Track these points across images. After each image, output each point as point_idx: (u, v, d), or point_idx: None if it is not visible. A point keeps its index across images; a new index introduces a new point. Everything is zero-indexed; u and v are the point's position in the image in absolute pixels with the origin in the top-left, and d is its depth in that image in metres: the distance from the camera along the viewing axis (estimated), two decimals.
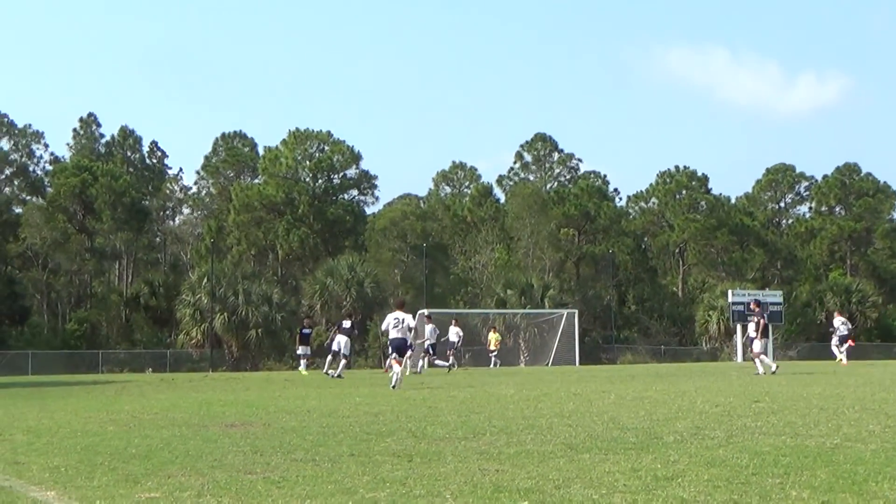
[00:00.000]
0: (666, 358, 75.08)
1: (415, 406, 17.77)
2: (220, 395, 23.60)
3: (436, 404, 18.20)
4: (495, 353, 53.91)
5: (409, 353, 29.88)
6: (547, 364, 61.04)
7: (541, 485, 7.98)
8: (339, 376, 35.05)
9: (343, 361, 36.74)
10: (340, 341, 37.01)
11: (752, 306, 34.35)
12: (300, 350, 44.14)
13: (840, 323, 45.76)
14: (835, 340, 45.79)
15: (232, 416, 16.30)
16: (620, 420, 13.74)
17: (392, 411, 16.47)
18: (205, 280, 71.69)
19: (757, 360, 31.15)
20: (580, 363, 59.92)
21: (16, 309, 77.83)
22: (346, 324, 38.21)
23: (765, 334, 31.88)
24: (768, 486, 7.67)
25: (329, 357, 37.75)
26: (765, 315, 32.38)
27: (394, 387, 24.72)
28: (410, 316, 27.13)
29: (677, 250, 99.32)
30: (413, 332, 29.25)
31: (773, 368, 30.67)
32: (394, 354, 26.57)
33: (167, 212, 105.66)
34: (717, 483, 7.84)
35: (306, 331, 44.75)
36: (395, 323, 26.36)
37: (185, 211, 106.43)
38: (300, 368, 44.28)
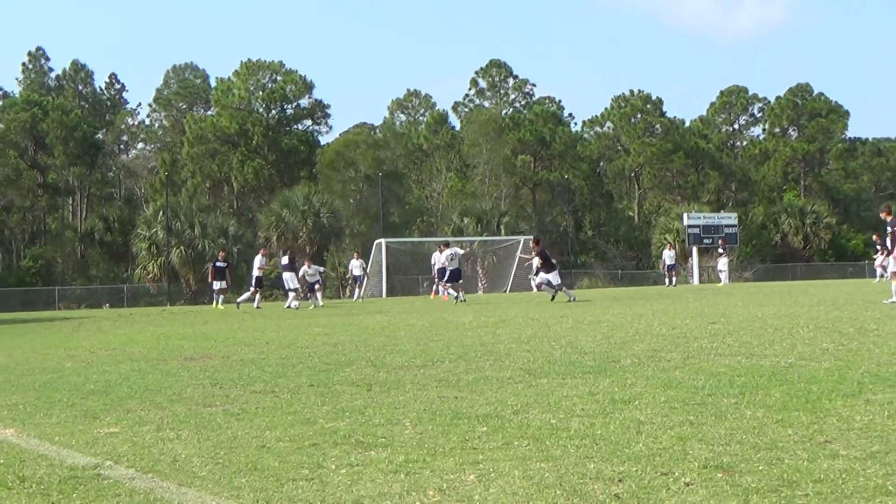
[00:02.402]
0: (623, 282, 75.54)
1: (373, 335, 17.81)
2: (178, 329, 23.55)
3: (394, 333, 18.25)
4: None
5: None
6: (505, 290, 61.24)
7: (499, 410, 8.04)
8: (288, 307, 36.68)
9: (292, 294, 37.44)
10: (286, 277, 38.04)
11: (531, 245, 35.57)
12: (215, 285, 42.01)
13: (668, 257, 54.42)
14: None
15: (190, 350, 16.28)
16: (578, 344, 13.83)
17: (351, 341, 16.50)
18: (160, 214, 71.16)
19: (544, 287, 32.54)
20: (538, 289, 60.07)
21: None
22: (284, 260, 39.07)
23: (548, 267, 32.46)
24: (724, 406, 7.75)
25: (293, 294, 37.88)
26: (545, 249, 33.59)
27: (457, 300, 34.15)
28: (459, 249, 36.67)
29: (633, 174, 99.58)
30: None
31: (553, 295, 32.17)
32: (452, 283, 35.74)
33: (121, 146, 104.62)
34: (674, 404, 7.92)
35: (220, 264, 42.38)
36: (451, 256, 35.88)
37: (139, 145, 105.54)
38: (216, 303, 41.72)
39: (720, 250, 55.12)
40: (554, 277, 32.17)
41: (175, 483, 5.89)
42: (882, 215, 24.09)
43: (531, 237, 65.27)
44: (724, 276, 52.79)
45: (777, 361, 10.70)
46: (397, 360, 12.61)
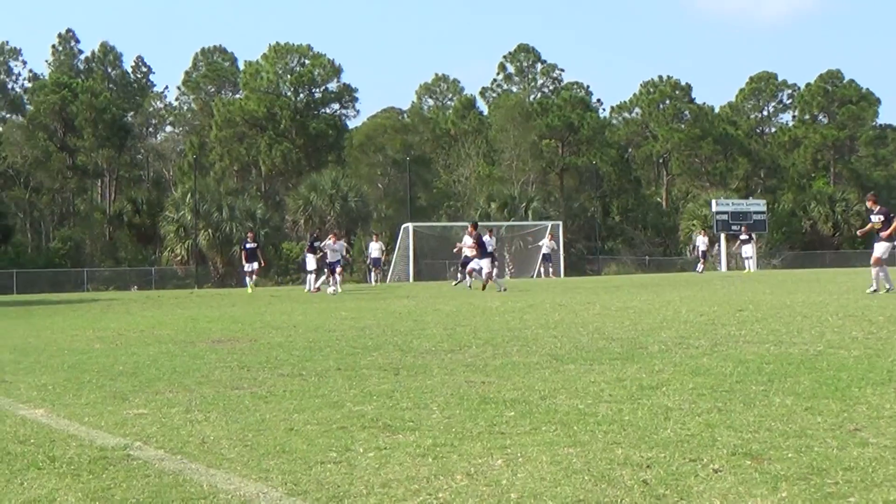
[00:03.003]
0: (650, 268, 75.36)
1: (400, 320, 17.83)
2: (205, 312, 23.64)
3: (421, 317, 18.26)
4: None
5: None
6: (532, 276, 61.17)
7: (526, 395, 8.03)
8: (314, 289, 36.01)
9: (311, 277, 37.22)
10: (308, 259, 37.81)
11: (469, 229, 35.46)
12: (247, 267, 40.10)
13: (702, 243, 54.14)
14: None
15: (218, 333, 16.34)
16: (605, 330, 13.81)
17: (378, 325, 16.53)
18: (188, 197, 71.36)
19: (475, 274, 33.14)
20: (565, 274, 60.04)
21: None
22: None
23: (482, 253, 32.77)
24: (752, 393, 7.72)
25: (311, 277, 37.52)
26: (481, 235, 33.85)
27: (457, 284, 34.95)
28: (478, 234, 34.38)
29: (661, 160, 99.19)
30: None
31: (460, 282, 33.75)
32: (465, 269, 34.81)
33: (149, 129, 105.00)
34: (702, 391, 7.89)
35: (250, 245, 40.37)
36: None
37: (168, 128, 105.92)
38: (248, 286, 40.07)
39: (743, 236, 54.94)
40: (486, 265, 32.01)
41: (204, 464, 5.92)
42: (869, 204, 23.89)
43: (559, 222, 65.57)
44: (750, 263, 52.62)
45: (806, 349, 10.65)
46: (424, 345, 12.63)
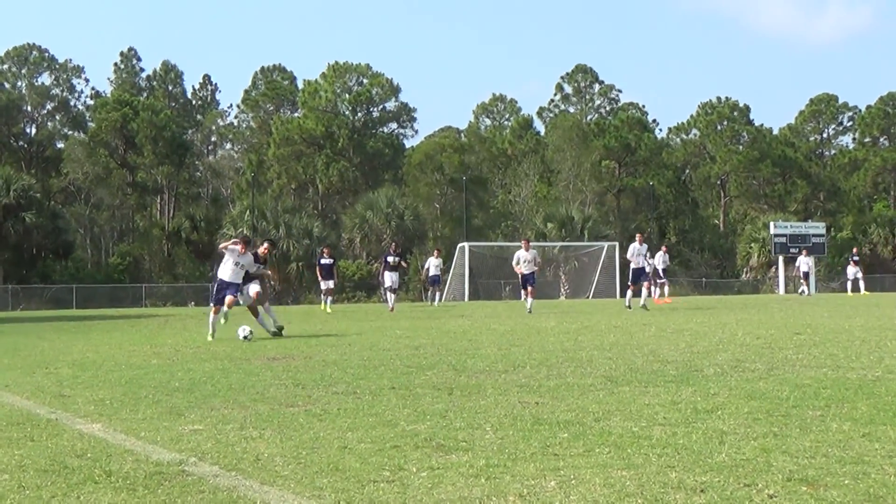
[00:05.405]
0: (707, 290, 74.76)
1: (455, 339, 17.84)
2: (261, 329, 23.74)
3: (476, 337, 18.26)
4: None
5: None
6: (587, 296, 61.01)
7: (580, 417, 8.01)
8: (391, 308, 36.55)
9: (391, 295, 37.76)
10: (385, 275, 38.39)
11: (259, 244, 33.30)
12: (323, 284, 37.94)
13: (804, 263, 52.37)
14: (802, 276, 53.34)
15: (273, 350, 16.43)
16: (660, 353, 13.74)
17: (432, 344, 16.55)
18: (246, 214, 71.93)
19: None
20: (621, 296, 59.77)
21: (59, 243, 78.12)
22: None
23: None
24: (809, 418, 7.66)
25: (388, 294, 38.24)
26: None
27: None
28: (535, 252, 33.74)
29: (719, 182, 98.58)
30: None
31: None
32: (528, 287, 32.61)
33: (208, 146, 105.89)
34: (757, 415, 7.83)
35: (326, 261, 37.96)
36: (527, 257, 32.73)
37: (227, 146, 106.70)
38: (324, 305, 38.08)
39: (855, 258, 53.98)
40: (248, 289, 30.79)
41: (257, 481, 5.95)
42: None
43: (615, 243, 65.37)
44: (852, 285, 51.69)
45: (864, 374, 10.54)
46: (479, 365, 12.62)
